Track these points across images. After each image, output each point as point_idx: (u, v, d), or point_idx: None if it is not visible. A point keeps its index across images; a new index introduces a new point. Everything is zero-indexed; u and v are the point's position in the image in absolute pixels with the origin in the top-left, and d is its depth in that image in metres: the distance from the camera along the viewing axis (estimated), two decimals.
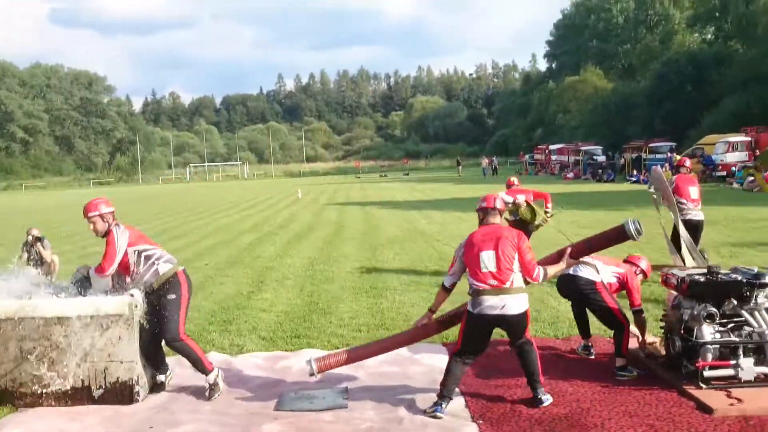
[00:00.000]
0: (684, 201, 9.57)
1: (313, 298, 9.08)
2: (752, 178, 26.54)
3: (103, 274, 5.45)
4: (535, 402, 5.02)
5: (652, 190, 8.88)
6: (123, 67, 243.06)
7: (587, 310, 6.06)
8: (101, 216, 5.50)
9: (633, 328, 5.83)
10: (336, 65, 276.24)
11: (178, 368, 6.05)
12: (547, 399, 5.04)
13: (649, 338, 6.00)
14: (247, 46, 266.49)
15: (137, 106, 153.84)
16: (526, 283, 5.07)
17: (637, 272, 6.09)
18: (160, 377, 5.67)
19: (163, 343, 5.65)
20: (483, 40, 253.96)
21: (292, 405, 5.27)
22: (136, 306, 5.31)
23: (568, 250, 5.40)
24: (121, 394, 5.34)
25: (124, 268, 5.49)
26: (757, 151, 30.57)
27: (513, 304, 4.93)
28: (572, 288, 5.80)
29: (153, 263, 5.51)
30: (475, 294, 4.98)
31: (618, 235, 5.42)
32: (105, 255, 5.41)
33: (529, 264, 5.02)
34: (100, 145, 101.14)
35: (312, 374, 5.32)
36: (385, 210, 24.05)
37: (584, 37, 77.50)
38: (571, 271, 5.67)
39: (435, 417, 4.90)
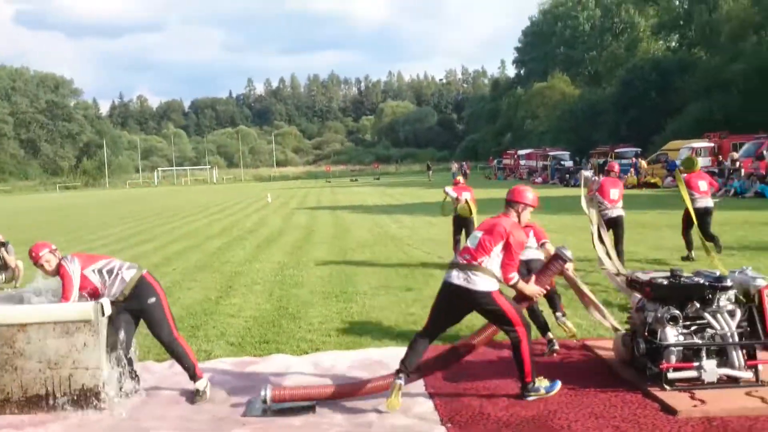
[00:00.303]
0: (603, 201, 10.65)
1: (283, 303, 9.03)
2: (671, 179, 27.88)
3: (67, 300, 5.39)
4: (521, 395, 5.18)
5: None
6: (90, 70, 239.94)
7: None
8: (52, 252, 5.48)
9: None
10: (306, 69, 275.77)
11: (145, 374, 5.97)
12: (533, 394, 5.14)
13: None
14: (217, 50, 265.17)
15: (104, 109, 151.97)
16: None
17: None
18: (128, 385, 5.60)
19: (133, 349, 5.58)
20: (453, 46, 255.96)
21: (261, 411, 5.24)
22: (103, 312, 5.23)
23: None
24: (86, 401, 5.24)
25: (92, 293, 5.43)
26: (720, 156, 31.21)
27: (476, 280, 5.02)
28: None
29: (117, 274, 5.48)
30: (449, 265, 5.33)
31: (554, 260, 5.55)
32: (63, 290, 5.35)
33: (508, 263, 5.08)
34: (66, 149, 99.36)
35: (264, 401, 5.12)
36: (356, 214, 24.04)
37: (552, 44, 78.57)
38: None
39: (395, 387, 5.04)
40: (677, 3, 62.65)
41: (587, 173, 12.20)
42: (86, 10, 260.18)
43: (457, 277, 5.10)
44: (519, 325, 5.09)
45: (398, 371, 5.17)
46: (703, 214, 10.82)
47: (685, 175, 11.18)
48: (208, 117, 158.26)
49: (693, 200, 10.49)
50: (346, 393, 5.33)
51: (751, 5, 46.23)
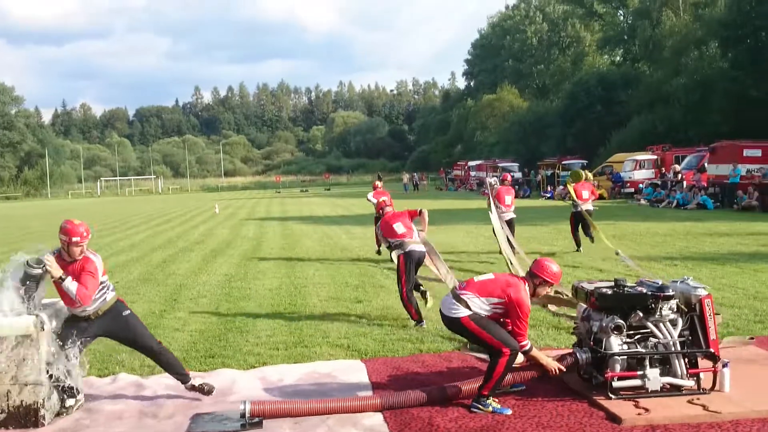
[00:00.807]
0: (500, 205, 13.39)
1: (230, 317, 8.86)
2: (562, 187, 30.27)
3: (86, 304, 5.31)
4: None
5: (488, 193, 13.53)
6: (32, 78, 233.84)
7: None
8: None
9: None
10: (255, 78, 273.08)
11: (87, 389, 5.79)
12: (481, 408, 5.20)
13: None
14: (163, 58, 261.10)
15: (47, 117, 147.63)
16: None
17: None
18: (69, 401, 5.40)
19: (77, 364, 5.44)
20: (404, 58, 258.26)
21: (206, 426, 5.10)
22: (42, 327, 5.04)
23: None
24: (25, 417, 5.05)
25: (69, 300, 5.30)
26: (663, 169, 32.08)
27: (454, 308, 5.34)
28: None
29: (103, 291, 5.48)
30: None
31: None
32: (85, 281, 5.25)
33: (519, 331, 5.31)
34: (6, 158, 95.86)
35: (243, 415, 5.03)
36: (306, 225, 23.87)
37: (501, 57, 79.74)
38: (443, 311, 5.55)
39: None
40: (621, 18, 64.36)
41: (491, 180, 15.32)
42: (28, 17, 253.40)
43: (442, 303, 5.54)
44: (501, 346, 5.19)
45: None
46: (583, 215, 13.75)
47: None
48: (153, 126, 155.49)
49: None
50: (329, 410, 5.21)
51: (692, 21, 47.81)
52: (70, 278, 5.21)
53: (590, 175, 18.02)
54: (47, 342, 5.16)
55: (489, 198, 12.77)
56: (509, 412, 5.17)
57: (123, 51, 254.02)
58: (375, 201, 12.04)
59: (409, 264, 8.04)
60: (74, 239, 5.31)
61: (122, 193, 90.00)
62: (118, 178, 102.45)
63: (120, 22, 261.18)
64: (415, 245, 8.18)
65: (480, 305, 5.27)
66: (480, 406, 5.20)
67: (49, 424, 5.14)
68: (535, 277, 5.36)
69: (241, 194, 67.53)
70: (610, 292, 5.36)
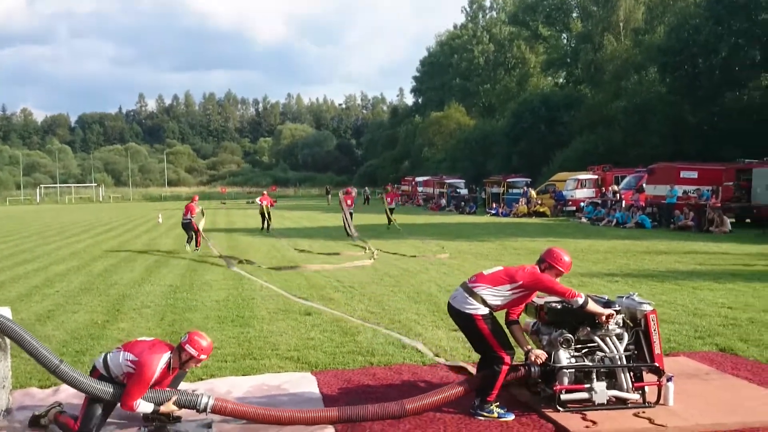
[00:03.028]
0: (345, 208, 24.17)
1: (175, 328, 8.66)
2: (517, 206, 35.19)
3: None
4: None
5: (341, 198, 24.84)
6: None
7: None
8: None
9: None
10: (201, 87, 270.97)
11: (27, 400, 5.60)
12: (486, 414, 5.28)
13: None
14: (107, 64, 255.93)
15: None
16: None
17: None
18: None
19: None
20: (353, 72, 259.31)
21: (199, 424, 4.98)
22: None
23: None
24: None
25: None
26: (603, 188, 32.96)
27: (467, 302, 5.38)
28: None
29: None
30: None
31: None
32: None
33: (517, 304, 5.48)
34: None
35: (204, 410, 5.01)
36: (253, 237, 23.62)
37: (448, 74, 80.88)
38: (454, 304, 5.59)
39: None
40: (565, 42, 66.11)
41: (340, 194, 26.24)
42: None
43: (452, 297, 5.57)
44: (501, 351, 5.30)
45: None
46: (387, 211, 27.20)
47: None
48: (95, 133, 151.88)
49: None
50: (286, 420, 5.14)
51: (632, 46, 49.45)
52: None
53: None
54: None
55: (340, 202, 25.01)
56: (512, 417, 5.28)
57: (66, 56, 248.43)
58: (259, 202, 26.67)
59: None
60: (203, 358, 5.13)
61: (62, 201, 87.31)
62: (58, 185, 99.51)
63: (63, 26, 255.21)
64: None
65: (495, 295, 5.33)
66: (484, 413, 5.29)
67: None
68: (543, 262, 5.52)
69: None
70: (559, 306, 5.46)
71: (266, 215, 26.87)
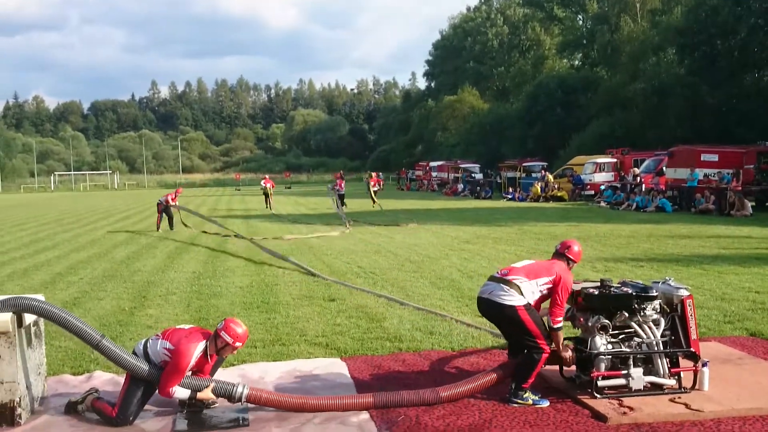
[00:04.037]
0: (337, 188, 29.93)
1: (202, 314, 8.70)
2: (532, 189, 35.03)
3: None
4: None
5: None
6: None
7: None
8: None
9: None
10: (214, 74, 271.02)
11: (60, 387, 5.65)
12: (520, 401, 5.24)
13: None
14: (119, 51, 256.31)
15: None
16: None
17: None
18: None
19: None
20: (365, 57, 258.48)
21: (191, 425, 5.00)
22: (20, 323, 4.87)
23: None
24: (2, 416, 4.90)
25: None
26: (622, 172, 32.68)
27: (503, 294, 5.32)
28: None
29: None
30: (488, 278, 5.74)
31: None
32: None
33: (559, 306, 5.36)
34: None
35: (239, 400, 5.05)
36: (270, 223, 23.66)
37: (461, 58, 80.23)
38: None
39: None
40: (580, 23, 65.39)
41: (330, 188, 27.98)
42: None
43: (486, 291, 5.48)
44: (541, 339, 5.28)
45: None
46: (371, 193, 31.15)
47: (369, 179, 31.82)
48: (108, 120, 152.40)
49: (375, 191, 31.52)
50: (322, 407, 5.16)
51: (650, 28, 48.81)
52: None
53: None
54: (25, 339, 4.99)
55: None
56: (547, 403, 5.25)
57: (78, 43, 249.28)
58: (264, 184, 33.40)
59: None
60: (238, 345, 5.17)
61: (77, 188, 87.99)
62: (72, 172, 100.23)
63: (75, 13, 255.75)
64: None
65: (531, 289, 5.32)
66: (519, 400, 5.26)
67: (24, 422, 4.99)
68: (562, 256, 5.60)
69: (200, 191, 66.61)
70: (596, 292, 5.40)
71: (268, 195, 32.46)
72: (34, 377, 5.28)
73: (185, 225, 21.20)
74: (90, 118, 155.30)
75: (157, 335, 5.21)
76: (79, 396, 5.27)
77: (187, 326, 5.33)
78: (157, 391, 5.00)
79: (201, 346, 5.03)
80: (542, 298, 5.41)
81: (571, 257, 5.60)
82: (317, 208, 32.74)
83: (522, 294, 5.29)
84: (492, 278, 5.56)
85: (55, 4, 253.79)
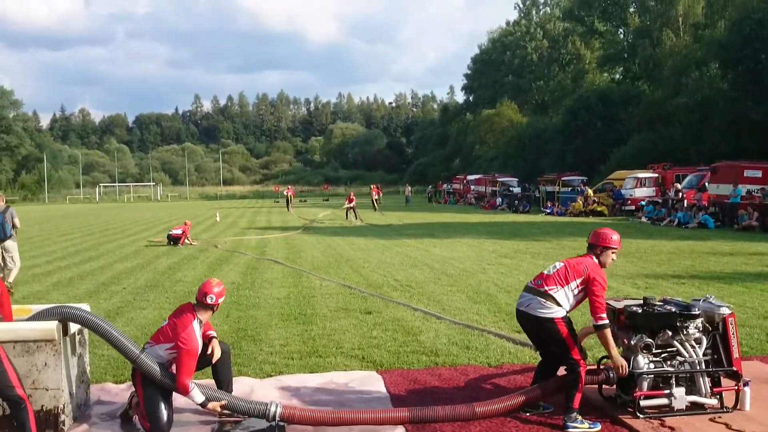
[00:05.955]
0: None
1: (241, 325, 8.81)
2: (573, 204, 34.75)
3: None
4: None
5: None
6: (31, 82, 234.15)
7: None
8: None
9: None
10: (255, 88, 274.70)
11: (103, 395, 5.75)
12: (576, 426, 5.08)
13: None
14: (163, 65, 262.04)
15: (45, 122, 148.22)
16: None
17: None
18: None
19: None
20: (403, 71, 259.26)
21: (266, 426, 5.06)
22: (66, 331, 5.01)
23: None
24: (46, 422, 5.01)
25: None
26: (664, 187, 32.13)
27: (540, 306, 5.28)
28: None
29: None
30: (524, 288, 5.64)
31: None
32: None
33: (598, 303, 5.22)
34: (4, 162, 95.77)
35: (273, 419, 5.01)
36: (308, 235, 23.83)
37: (500, 72, 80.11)
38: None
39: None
40: (621, 37, 64.68)
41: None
42: (29, 21, 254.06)
43: (523, 304, 5.42)
44: (577, 354, 5.19)
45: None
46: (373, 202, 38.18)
47: (371, 190, 38.24)
48: (152, 133, 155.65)
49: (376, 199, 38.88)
50: (356, 421, 5.12)
51: (692, 42, 48.06)
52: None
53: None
54: (69, 347, 5.12)
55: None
56: (599, 427, 5.10)
57: (123, 57, 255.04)
58: (285, 193, 47.91)
59: None
60: (221, 301, 5.39)
61: (121, 200, 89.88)
62: (116, 184, 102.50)
63: (120, 28, 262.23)
64: None
65: (566, 294, 5.25)
66: (576, 425, 5.07)
67: (68, 429, 5.11)
68: (596, 247, 5.42)
69: (240, 203, 67.46)
70: (639, 310, 5.32)
71: (289, 201, 45.55)
72: (77, 385, 5.41)
73: (191, 243, 20.75)
74: (134, 130, 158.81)
75: (149, 343, 5.23)
76: (126, 404, 5.40)
77: (164, 322, 5.33)
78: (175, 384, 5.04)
79: (195, 323, 5.14)
80: (578, 301, 5.33)
81: (605, 245, 5.38)
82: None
83: (559, 304, 5.22)
84: (528, 289, 5.49)
85: (102, 20, 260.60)
